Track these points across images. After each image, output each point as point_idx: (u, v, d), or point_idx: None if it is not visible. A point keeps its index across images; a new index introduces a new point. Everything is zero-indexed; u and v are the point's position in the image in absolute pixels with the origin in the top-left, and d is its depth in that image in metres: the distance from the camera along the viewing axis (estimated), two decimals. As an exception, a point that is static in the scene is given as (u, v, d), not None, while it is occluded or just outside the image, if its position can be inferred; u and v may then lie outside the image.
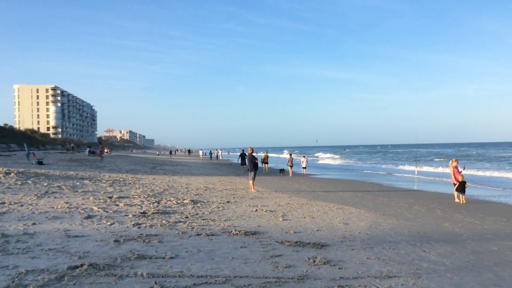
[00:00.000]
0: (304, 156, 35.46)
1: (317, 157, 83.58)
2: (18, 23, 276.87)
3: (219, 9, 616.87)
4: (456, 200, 15.04)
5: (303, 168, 32.23)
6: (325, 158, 76.15)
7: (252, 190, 16.79)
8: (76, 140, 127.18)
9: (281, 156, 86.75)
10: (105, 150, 43.11)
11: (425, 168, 39.61)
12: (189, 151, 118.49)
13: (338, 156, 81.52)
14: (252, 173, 17.20)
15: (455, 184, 15.29)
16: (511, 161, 52.41)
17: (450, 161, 16.20)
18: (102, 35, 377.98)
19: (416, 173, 25.82)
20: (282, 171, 30.65)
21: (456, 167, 15.67)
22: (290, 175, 29.27)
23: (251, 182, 17.08)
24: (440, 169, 37.40)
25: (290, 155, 31.93)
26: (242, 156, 33.57)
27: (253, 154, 18.12)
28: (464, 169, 16.37)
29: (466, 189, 14.98)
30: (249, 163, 17.62)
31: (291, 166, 30.33)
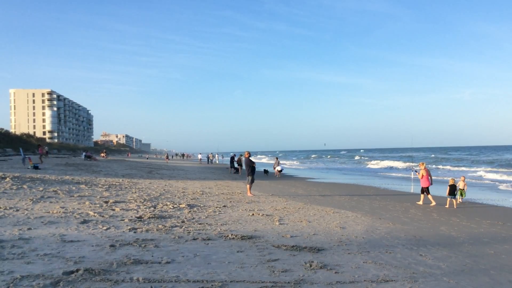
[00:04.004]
0: (276, 158, 38.56)
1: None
2: (14, 27, 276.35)
3: (216, 13, 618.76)
4: (433, 203, 15.10)
5: (279, 171, 34.03)
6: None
7: (249, 194, 16.77)
8: (72, 145, 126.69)
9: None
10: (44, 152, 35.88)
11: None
12: (183, 155, 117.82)
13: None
14: (249, 177, 17.18)
15: (423, 187, 15.49)
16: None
17: (421, 164, 16.20)
18: (99, 39, 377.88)
19: (412, 176, 25.84)
20: (266, 171, 34.49)
21: (426, 169, 15.82)
22: (276, 175, 32.63)
23: (248, 186, 17.07)
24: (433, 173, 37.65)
25: (277, 158, 35.73)
26: (231, 159, 36.09)
27: (251, 158, 18.07)
28: (418, 173, 16.22)
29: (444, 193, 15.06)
30: (246, 167, 17.59)
31: (275, 168, 33.98)
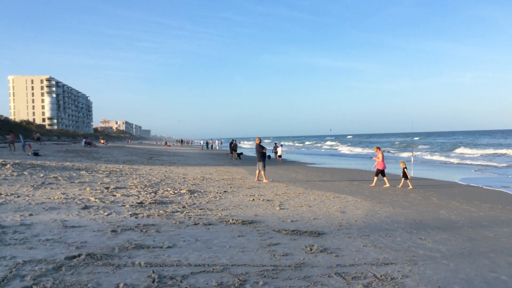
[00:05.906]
0: (275, 143, 39.72)
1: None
2: (13, 14, 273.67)
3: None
4: (387, 184, 15.95)
5: (279, 156, 35.16)
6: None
7: (264, 180, 16.66)
8: (72, 131, 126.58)
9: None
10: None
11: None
12: (181, 141, 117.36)
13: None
14: (261, 163, 16.93)
15: (378, 170, 16.39)
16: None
17: (377, 149, 17.13)
18: (98, 25, 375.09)
19: (412, 160, 25.86)
20: (268, 157, 34.77)
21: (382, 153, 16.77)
22: (277, 161, 33.64)
23: (262, 172, 16.85)
24: (435, 157, 37.62)
25: (275, 144, 37.12)
26: (231, 145, 37.71)
27: (261, 144, 17.81)
28: (376, 157, 16.85)
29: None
30: (257, 153, 17.40)
31: (276, 153, 35.37)
